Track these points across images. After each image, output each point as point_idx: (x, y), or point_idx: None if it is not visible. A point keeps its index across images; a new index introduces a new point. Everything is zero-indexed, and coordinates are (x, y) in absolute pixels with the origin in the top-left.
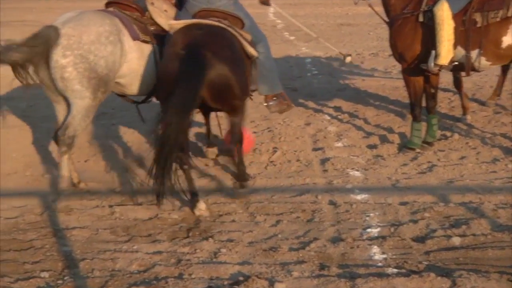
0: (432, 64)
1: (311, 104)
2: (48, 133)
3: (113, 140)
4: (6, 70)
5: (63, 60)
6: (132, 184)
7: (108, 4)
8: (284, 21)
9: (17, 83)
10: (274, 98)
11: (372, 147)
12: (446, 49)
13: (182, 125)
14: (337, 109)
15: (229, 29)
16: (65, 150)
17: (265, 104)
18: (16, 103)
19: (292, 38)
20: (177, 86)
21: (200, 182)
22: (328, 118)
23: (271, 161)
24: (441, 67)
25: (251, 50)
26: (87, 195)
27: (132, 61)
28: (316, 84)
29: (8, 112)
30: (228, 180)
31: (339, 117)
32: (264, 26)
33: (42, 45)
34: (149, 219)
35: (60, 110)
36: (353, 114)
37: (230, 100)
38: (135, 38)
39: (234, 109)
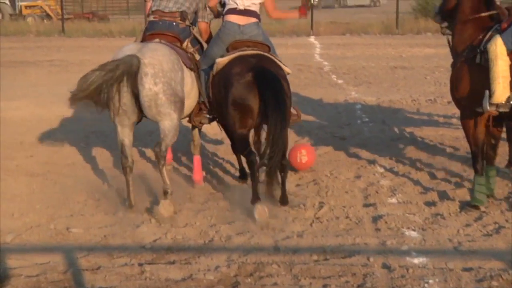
0: (487, 104)
1: (361, 154)
2: (74, 182)
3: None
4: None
5: (155, 87)
6: (163, 239)
7: (152, 35)
8: (331, 62)
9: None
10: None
11: (430, 204)
12: (501, 86)
13: (286, 134)
14: (391, 161)
15: (267, 54)
16: (163, 163)
17: None
18: (40, 149)
19: (340, 81)
20: (269, 105)
21: (238, 239)
22: (381, 170)
23: (317, 218)
24: (498, 106)
25: (286, 69)
26: (115, 251)
27: (187, 85)
28: (367, 132)
29: (32, 158)
30: (268, 238)
31: (393, 169)
32: (310, 68)
33: (123, 70)
34: (182, 280)
35: (125, 133)
36: (408, 167)
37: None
38: (187, 65)
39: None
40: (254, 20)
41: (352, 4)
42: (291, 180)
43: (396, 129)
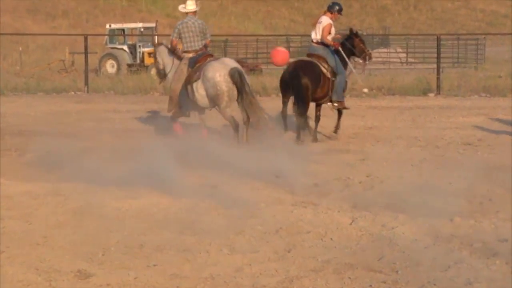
0: None
1: None
2: None
3: None
4: None
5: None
6: None
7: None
8: None
9: None
10: (339, 102)
11: None
12: None
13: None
14: None
15: (315, 61)
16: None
17: (334, 104)
18: (166, 256)
19: None
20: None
21: None
22: None
23: None
24: None
25: (327, 74)
26: None
27: None
28: None
29: (155, 268)
30: None
31: None
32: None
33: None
34: None
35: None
36: None
37: (314, 95)
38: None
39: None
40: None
41: None
42: None
43: None
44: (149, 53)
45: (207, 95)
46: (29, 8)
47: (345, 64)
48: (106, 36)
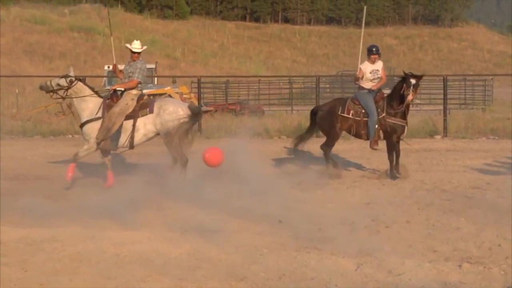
0: None
1: None
2: None
3: None
4: None
5: None
6: None
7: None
8: None
9: None
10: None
11: None
12: None
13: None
14: None
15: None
16: None
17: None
18: None
19: None
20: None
21: None
22: None
23: None
24: None
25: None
26: None
27: None
28: None
29: None
30: None
31: None
32: None
33: None
34: None
35: None
36: None
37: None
38: None
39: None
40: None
41: None
42: None
43: None
44: (149, 95)
45: (157, 130)
46: (26, 49)
47: None
48: (104, 78)
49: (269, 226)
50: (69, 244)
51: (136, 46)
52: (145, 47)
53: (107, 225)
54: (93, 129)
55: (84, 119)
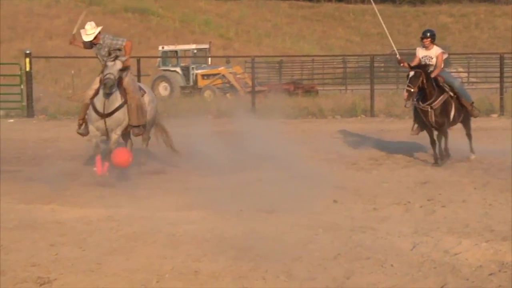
0: None
1: None
2: None
3: None
4: None
5: None
6: None
7: None
8: None
9: None
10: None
11: None
12: None
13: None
14: None
15: None
16: None
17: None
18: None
19: None
20: None
21: None
22: None
23: None
24: None
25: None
26: None
27: None
28: None
29: None
30: None
31: None
32: None
33: None
34: None
35: None
36: None
37: None
38: None
39: None
40: None
41: None
42: None
43: None
44: (203, 75)
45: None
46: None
47: None
48: (159, 58)
49: (324, 206)
50: (126, 224)
51: (89, 32)
52: (99, 28)
53: (162, 205)
54: None
55: None
